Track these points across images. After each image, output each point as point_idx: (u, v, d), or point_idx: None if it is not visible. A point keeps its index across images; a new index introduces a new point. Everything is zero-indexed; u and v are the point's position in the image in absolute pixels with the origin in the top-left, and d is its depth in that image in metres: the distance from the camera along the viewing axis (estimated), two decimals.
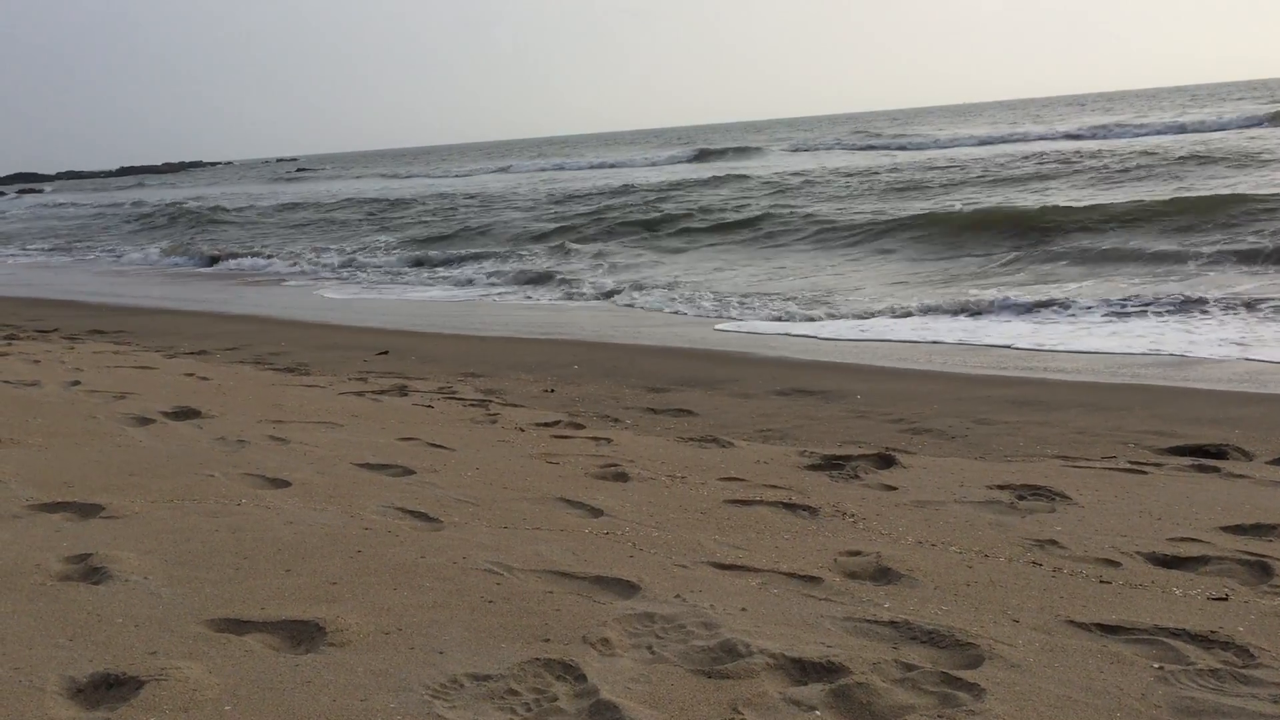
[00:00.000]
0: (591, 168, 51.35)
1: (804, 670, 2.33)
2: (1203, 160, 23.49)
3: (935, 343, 8.65)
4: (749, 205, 22.12)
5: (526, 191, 34.53)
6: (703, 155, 50.39)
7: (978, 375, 7.16)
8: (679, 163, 48.12)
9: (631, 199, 26.35)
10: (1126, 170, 22.86)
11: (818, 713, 2.15)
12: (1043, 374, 7.09)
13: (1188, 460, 4.56)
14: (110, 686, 2.21)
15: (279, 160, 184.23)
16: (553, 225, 21.76)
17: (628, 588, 2.83)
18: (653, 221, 20.50)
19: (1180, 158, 24.34)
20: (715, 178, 30.66)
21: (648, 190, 28.57)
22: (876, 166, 31.35)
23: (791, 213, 19.61)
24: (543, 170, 52.90)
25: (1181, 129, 38.05)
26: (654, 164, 49.10)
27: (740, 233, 18.46)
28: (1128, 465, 4.47)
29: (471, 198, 33.48)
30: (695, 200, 24.53)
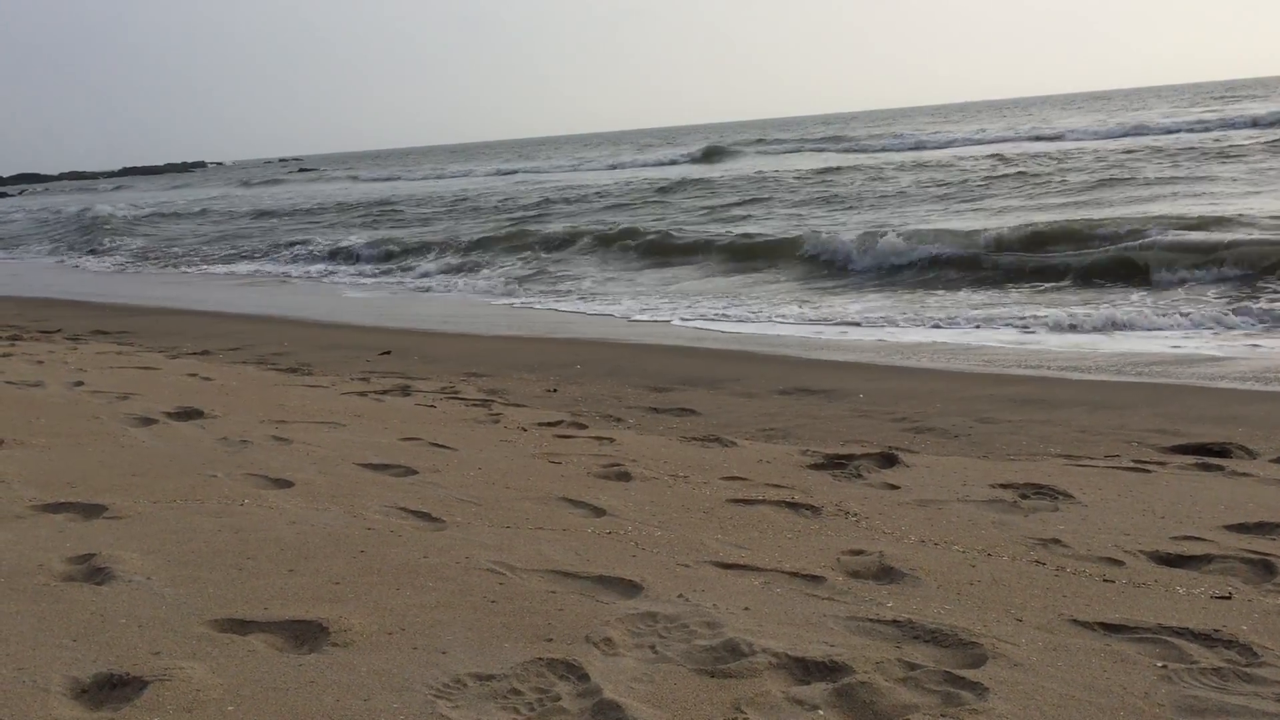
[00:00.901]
0: (549, 171, 51.22)
1: (807, 669, 2.33)
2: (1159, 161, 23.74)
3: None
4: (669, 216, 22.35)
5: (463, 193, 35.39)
6: (680, 158, 49.46)
7: (980, 374, 7.15)
8: (655, 165, 47.57)
9: (559, 208, 26.86)
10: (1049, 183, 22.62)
11: (821, 712, 2.15)
12: (1045, 372, 7.09)
13: (1191, 459, 4.56)
14: (114, 687, 2.22)
15: (281, 160, 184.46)
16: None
17: (630, 587, 2.83)
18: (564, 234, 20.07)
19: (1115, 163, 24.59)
20: (685, 180, 30.97)
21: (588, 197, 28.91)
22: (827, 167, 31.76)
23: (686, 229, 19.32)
24: (504, 174, 52.95)
25: (1141, 131, 37.82)
26: (628, 166, 48.99)
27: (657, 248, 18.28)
28: (1131, 464, 4.46)
29: (418, 201, 33.93)
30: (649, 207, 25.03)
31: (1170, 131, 36.42)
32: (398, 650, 2.41)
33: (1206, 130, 35.42)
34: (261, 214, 33.88)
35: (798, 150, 48.27)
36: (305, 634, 2.50)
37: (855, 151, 42.97)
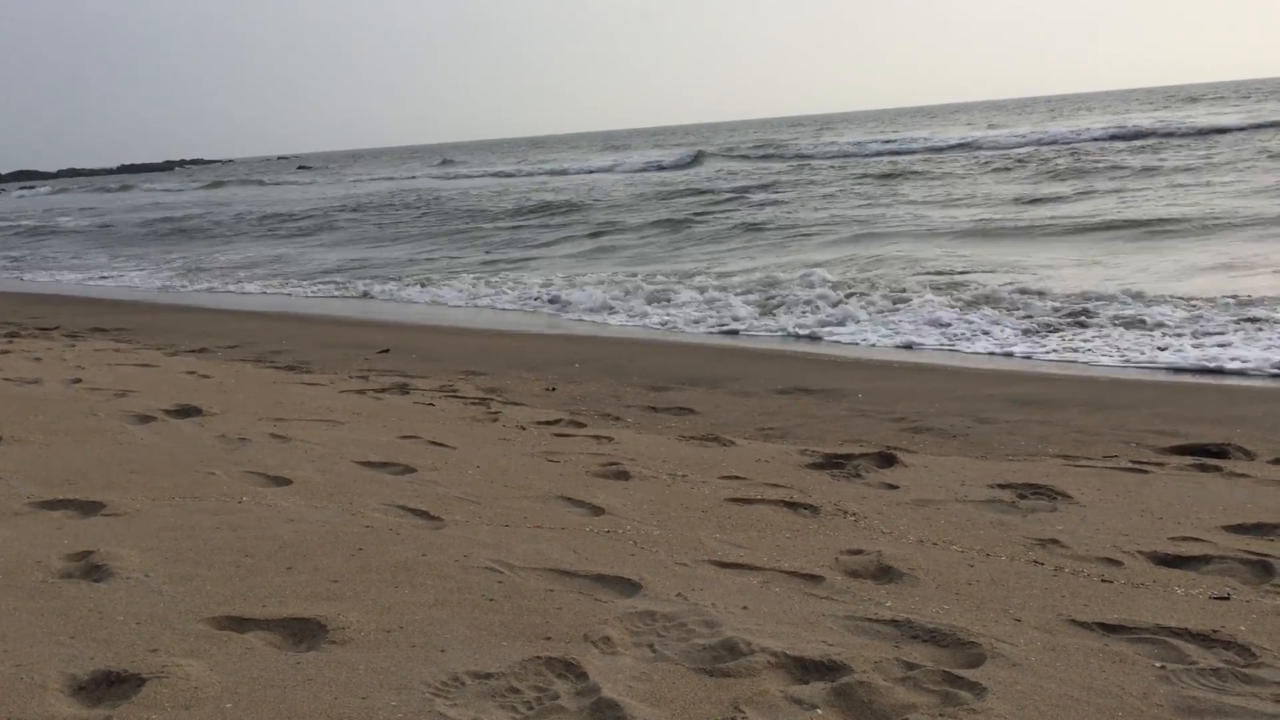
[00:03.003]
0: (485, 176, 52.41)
1: (805, 669, 2.33)
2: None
3: None
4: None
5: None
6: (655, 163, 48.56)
7: (979, 373, 7.16)
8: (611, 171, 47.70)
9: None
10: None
11: (819, 711, 2.15)
12: (1044, 372, 7.09)
13: (1189, 459, 4.56)
14: (111, 684, 2.21)
15: (280, 158, 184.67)
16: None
17: (629, 586, 2.83)
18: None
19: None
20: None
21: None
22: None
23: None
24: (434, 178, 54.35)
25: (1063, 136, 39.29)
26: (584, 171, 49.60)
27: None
28: (1129, 464, 4.46)
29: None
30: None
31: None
32: (396, 648, 2.40)
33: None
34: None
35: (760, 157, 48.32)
36: (303, 632, 2.50)
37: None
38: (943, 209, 19.64)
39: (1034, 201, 19.68)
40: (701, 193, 27.81)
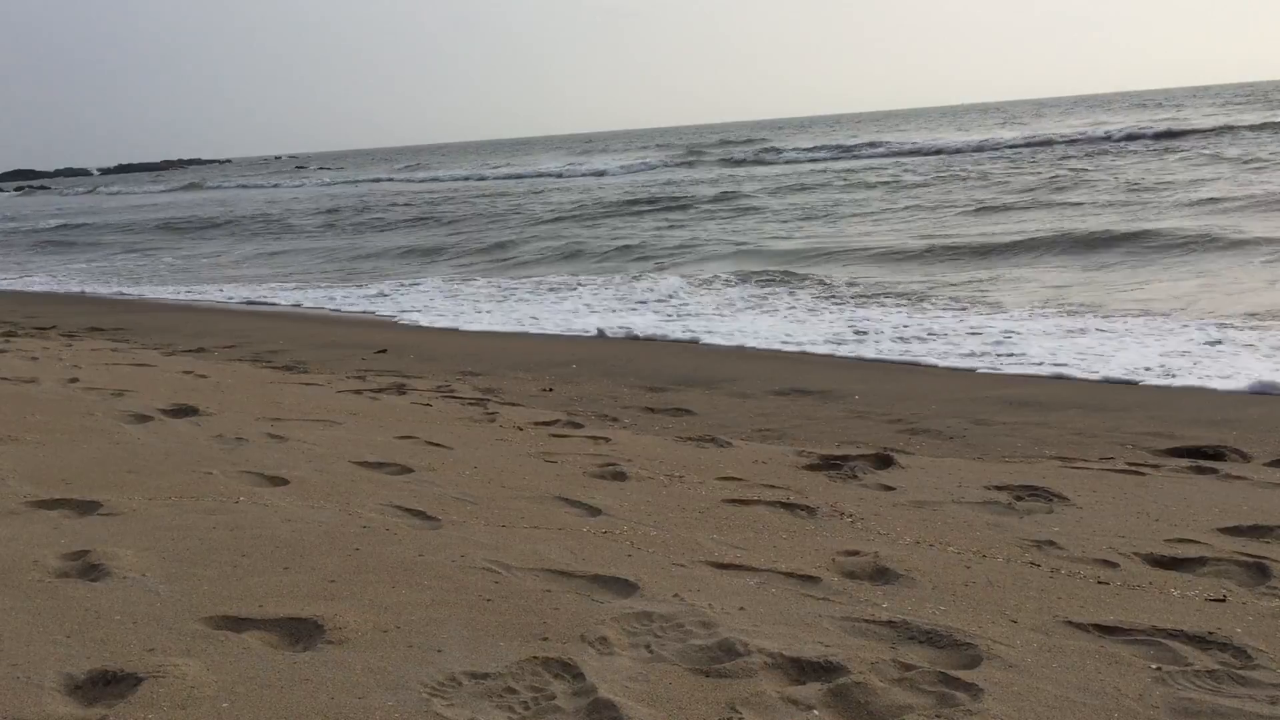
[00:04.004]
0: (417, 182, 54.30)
1: (802, 670, 2.33)
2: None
3: None
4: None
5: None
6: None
7: (976, 375, 7.16)
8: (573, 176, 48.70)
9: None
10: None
11: (815, 712, 2.15)
12: (1041, 374, 7.10)
13: (1185, 461, 4.57)
14: (108, 683, 2.21)
15: (276, 157, 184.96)
16: None
17: (626, 587, 2.83)
18: None
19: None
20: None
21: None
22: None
23: None
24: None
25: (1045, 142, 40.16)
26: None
27: None
28: (1126, 466, 4.47)
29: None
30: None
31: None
32: (392, 648, 2.40)
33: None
34: None
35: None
36: (300, 631, 2.50)
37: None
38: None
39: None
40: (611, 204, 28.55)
